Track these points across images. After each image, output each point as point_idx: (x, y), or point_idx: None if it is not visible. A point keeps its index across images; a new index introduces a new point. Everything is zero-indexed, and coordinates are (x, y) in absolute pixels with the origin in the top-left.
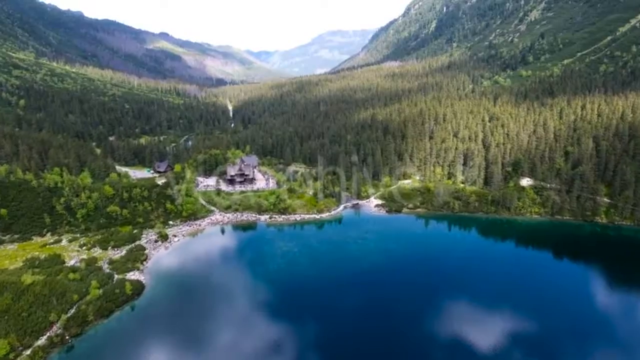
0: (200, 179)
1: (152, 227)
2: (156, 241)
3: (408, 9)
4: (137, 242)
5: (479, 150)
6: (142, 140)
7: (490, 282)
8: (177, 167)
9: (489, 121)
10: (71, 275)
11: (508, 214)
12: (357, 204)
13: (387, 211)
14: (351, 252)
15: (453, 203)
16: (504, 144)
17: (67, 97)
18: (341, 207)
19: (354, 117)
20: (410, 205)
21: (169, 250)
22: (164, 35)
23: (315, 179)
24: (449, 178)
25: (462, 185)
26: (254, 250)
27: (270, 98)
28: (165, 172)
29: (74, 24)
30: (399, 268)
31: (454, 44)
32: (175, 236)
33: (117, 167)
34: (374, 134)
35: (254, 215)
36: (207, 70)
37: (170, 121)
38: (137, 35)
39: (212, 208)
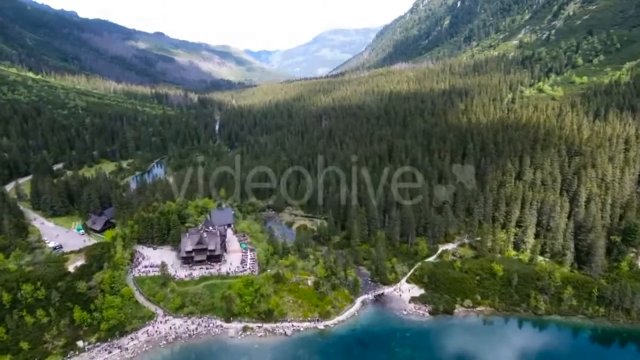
0: (145, 252)
1: (45, 356)
2: None
3: (416, 4)
4: None
5: (562, 205)
6: (92, 172)
7: None
8: (108, 235)
9: (569, 157)
10: None
11: (626, 319)
12: (382, 294)
13: (430, 311)
14: None
15: (536, 298)
16: (600, 195)
17: (9, 112)
18: (358, 302)
19: (366, 140)
20: (468, 302)
21: None
22: (159, 35)
23: (319, 239)
24: (517, 248)
25: (542, 262)
26: None
27: (264, 107)
28: (104, 230)
29: (57, 24)
30: None
31: (474, 43)
32: None
33: (39, 222)
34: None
35: (219, 323)
36: (202, 71)
37: (139, 140)
38: (130, 35)
39: (154, 309)
